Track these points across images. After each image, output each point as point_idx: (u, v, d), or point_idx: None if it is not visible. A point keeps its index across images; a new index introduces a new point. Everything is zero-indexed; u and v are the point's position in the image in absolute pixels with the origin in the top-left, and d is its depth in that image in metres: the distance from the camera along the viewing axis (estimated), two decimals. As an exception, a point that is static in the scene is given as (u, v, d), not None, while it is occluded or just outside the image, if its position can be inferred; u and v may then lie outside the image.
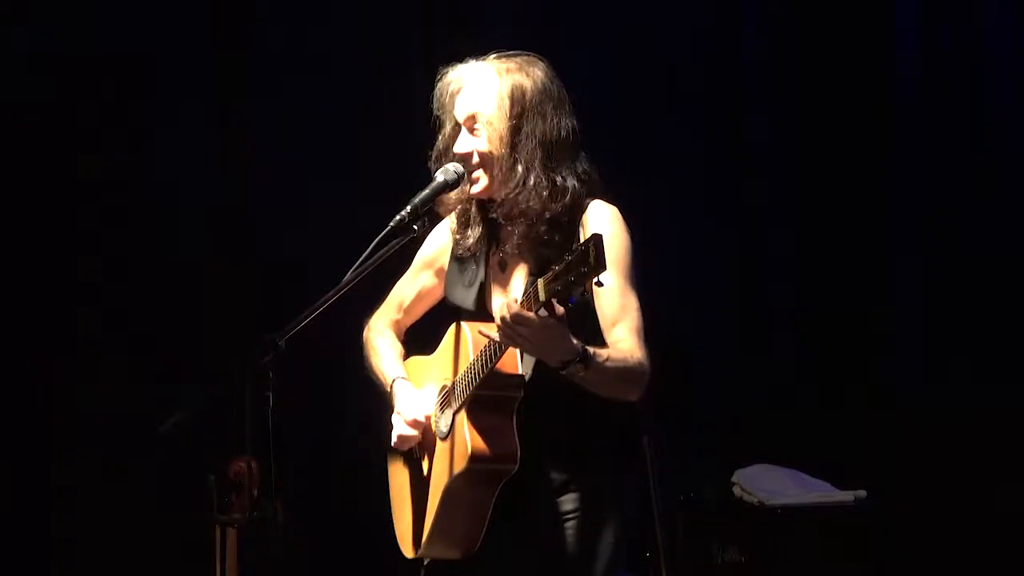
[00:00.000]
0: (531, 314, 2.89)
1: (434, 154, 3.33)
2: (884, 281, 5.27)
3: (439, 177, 3.23)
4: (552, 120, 3.20)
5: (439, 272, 3.46)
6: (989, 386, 5.06)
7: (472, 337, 3.17)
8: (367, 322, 3.56)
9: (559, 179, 3.19)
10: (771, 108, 5.40)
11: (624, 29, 5.28)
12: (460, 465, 3.11)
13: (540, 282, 2.88)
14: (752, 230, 5.38)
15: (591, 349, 2.98)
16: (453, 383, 3.22)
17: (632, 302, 3.15)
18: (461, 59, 3.30)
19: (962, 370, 5.13)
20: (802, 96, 5.36)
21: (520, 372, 3.12)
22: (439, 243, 3.45)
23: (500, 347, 3.04)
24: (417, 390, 3.38)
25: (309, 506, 4.61)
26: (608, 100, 5.23)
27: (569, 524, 3.19)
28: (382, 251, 3.23)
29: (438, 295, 3.49)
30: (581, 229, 3.20)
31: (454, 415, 3.19)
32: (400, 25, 5.17)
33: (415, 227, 3.21)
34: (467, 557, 3.21)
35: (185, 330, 5.03)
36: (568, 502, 3.20)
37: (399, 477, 3.46)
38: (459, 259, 3.37)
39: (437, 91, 3.30)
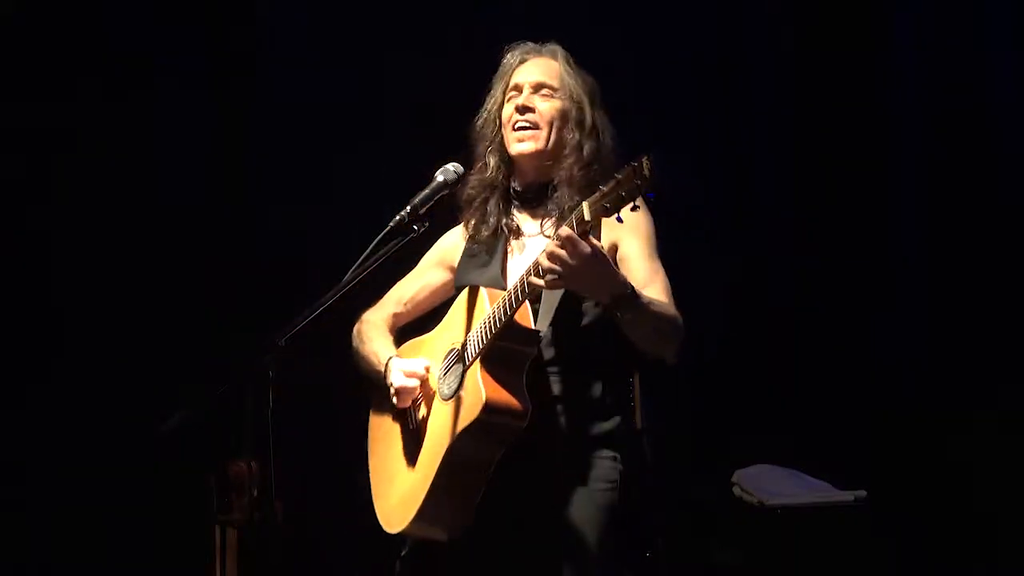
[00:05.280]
0: (579, 239, 2.85)
1: (487, 115, 3.45)
2: (885, 282, 5.27)
3: (438, 177, 3.25)
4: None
5: (451, 270, 3.49)
6: (989, 386, 5.05)
7: (488, 292, 3.18)
8: (360, 316, 3.56)
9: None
10: (771, 108, 5.40)
11: (624, 29, 5.28)
12: (472, 415, 3.03)
13: (584, 204, 2.84)
14: (751, 244, 5.36)
15: (637, 289, 3.00)
16: (464, 340, 3.19)
17: (660, 268, 3.23)
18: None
19: (962, 370, 5.12)
20: (802, 96, 5.36)
21: (535, 328, 3.10)
22: (451, 243, 3.51)
23: (523, 291, 3.00)
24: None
25: (309, 506, 4.62)
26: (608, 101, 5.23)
27: (579, 497, 3.15)
28: (382, 251, 3.24)
29: (444, 294, 3.51)
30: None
31: (464, 371, 3.14)
32: (400, 24, 5.17)
33: (415, 227, 3.21)
34: (453, 539, 3.14)
35: (185, 330, 5.04)
36: (575, 476, 3.16)
37: (385, 454, 3.39)
38: (471, 251, 3.41)
39: (505, 61, 3.47)
